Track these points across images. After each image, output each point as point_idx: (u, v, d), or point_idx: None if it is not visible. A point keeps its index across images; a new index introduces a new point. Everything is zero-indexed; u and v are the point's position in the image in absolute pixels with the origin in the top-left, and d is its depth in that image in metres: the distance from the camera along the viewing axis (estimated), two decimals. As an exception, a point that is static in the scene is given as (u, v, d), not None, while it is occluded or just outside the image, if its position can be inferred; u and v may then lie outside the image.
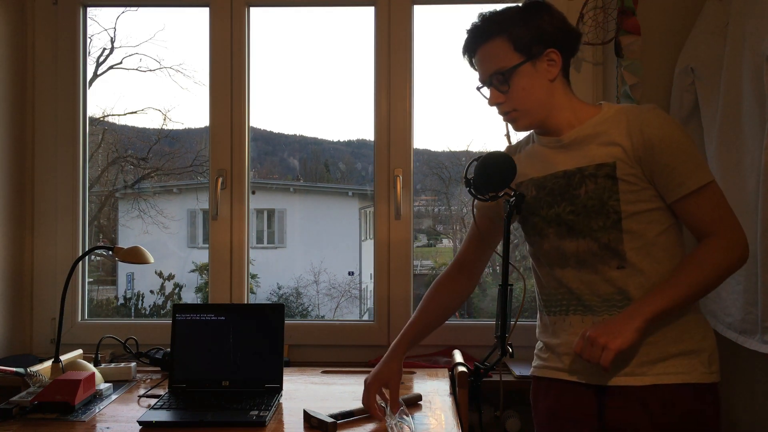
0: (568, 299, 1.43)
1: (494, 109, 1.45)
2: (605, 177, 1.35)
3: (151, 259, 1.79)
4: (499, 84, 1.40)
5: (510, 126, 1.54)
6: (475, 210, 1.58)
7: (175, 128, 2.82)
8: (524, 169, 1.49)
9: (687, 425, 1.32)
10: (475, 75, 1.46)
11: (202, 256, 3.03)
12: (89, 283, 2.38)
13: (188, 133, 2.88)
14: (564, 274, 1.43)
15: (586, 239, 1.38)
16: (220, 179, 2.20)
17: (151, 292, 2.99)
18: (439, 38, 2.37)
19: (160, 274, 2.97)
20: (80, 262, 2.11)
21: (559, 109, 1.42)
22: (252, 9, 2.26)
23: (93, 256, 2.90)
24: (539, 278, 1.52)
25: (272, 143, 3.26)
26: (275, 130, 3.11)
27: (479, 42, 1.41)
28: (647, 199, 1.35)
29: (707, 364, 1.35)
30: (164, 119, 2.78)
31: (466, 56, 1.47)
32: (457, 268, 1.65)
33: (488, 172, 1.38)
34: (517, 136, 1.68)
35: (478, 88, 1.46)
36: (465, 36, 1.45)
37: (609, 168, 1.35)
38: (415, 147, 2.22)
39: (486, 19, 1.41)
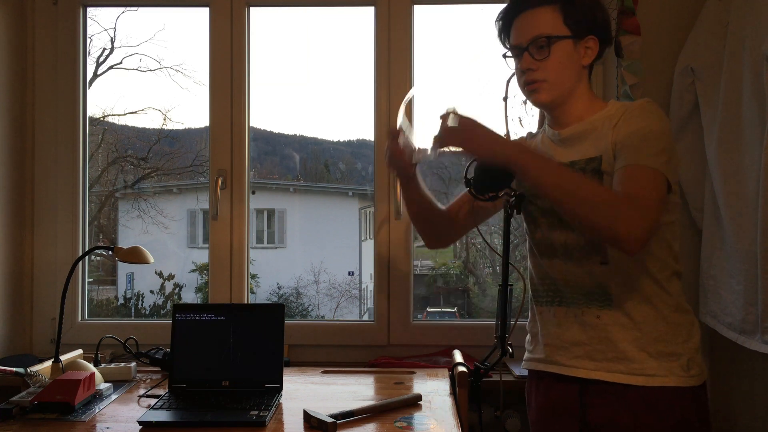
0: (554, 291, 1.46)
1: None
2: (592, 171, 1.35)
3: (151, 259, 1.79)
4: (539, 49, 1.36)
5: (524, 115, 1.52)
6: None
7: (175, 128, 2.82)
8: None
9: (671, 427, 1.32)
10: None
11: (202, 256, 3.02)
12: (89, 283, 2.38)
13: (188, 133, 2.87)
14: (551, 265, 1.45)
15: (573, 233, 1.39)
16: (220, 179, 2.20)
17: (151, 292, 2.99)
18: (439, 38, 2.37)
19: (160, 274, 2.97)
20: (80, 262, 2.11)
21: (579, 97, 1.42)
22: (252, 9, 2.26)
23: (93, 256, 2.90)
24: (531, 268, 1.54)
25: (272, 143, 3.25)
26: (275, 130, 3.11)
27: (529, 5, 1.38)
28: None
29: (686, 368, 1.34)
30: (164, 119, 2.78)
31: (501, 21, 1.43)
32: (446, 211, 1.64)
33: (488, 173, 1.39)
34: (517, 136, 1.68)
35: (504, 56, 1.44)
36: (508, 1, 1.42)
37: (596, 162, 1.36)
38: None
39: None
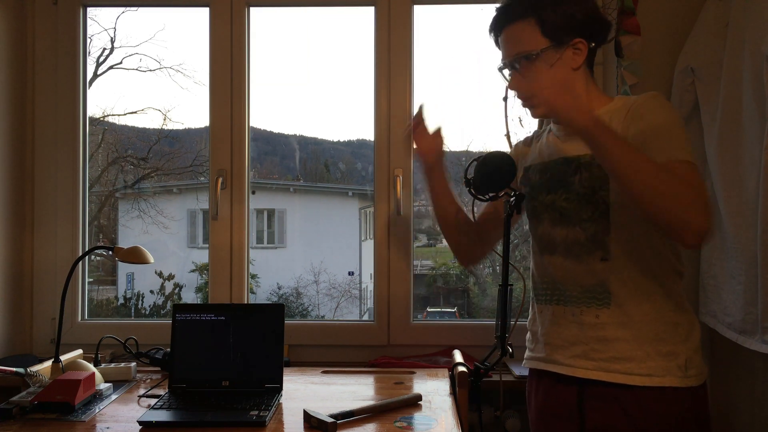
0: (552, 288, 1.46)
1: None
2: (599, 166, 1.35)
3: (151, 259, 1.79)
4: (521, 68, 1.37)
5: (524, 116, 1.53)
6: (475, 208, 1.57)
7: (175, 128, 2.82)
8: (535, 154, 1.50)
9: (667, 429, 1.31)
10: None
11: (202, 256, 3.02)
12: (89, 283, 2.38)
13: (188, 133, 2.87)
14: (552, 261, 1.44)
15: (575, 228, 1.39)
16: (220, 179, 2.20)
17: (151, 292, 2.99)
18: (439, 38, 2.37)
19: (160, 274, 2.97)
20: (80, 262, 2.11)
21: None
22: (252, 9, 2.26)
23: (93, 256, 2.90)
24: (532, 266, 1.54)
25: (272, 143, 3.25)
26: (275, 130, 3.11)
27: (507, 21, 1.38)
28: None
29: (683, 368, 1.33)
30: (164, 119, 2.78)
31: (492, 34, 1.45)
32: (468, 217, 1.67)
33: (488, 172, 1.39)
34: (518, 137, 1.69)
35: (500, 69, 1.44)
36: (494, 13, 1.42)
37: None
38: (415, 147, 2.21)
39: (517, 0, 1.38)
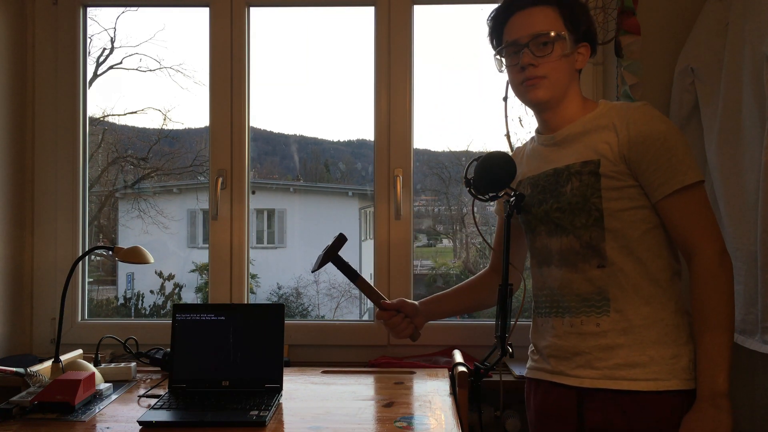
0: (550, 301, 1.45)
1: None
2: (589, 174, 1.36)
3: (151, 259, 1.79)
4: (542, 46, 1.39)
5: (524, 115, 1.54)
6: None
7: (175, 128, 2.82)
8: (523, 168, 1.51)
9: (667, 429, 1.31)
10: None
11: (202, 256, 3.02)
12: (89, 283, 2.38)
13: (188, 133, 2.87)
14: (549, 273, 1.44)
15: (569, 237, 1.39)
16: (220, 179, 2.20)
17: (151, 292, 2.99)
18: (439, 38, 2.37)
19: (160, 274, 2.97)
20: (80, 262, 2.11)
21: (572, 98, 1.44)
22: (252, 9, 2.26)
23: (93, 256, 2.90)
24: (532, 279, 1.55)
25: (272, 143, 3.25)
26: (275, 130, 3.10)
27: (529, 2, 1.41)
28: (631, 197, 1.35)
29: (687, 370, 1.33)
30: (164, 119, 2.77)
31: (495, 19, 1.46)
32: (490, 271, 1.74)
33: (488, 172, 1.39)
34: (518, 136, 1.69)
35: (500, 51, 1.46)
36: None
37: (593, 165, 1.36)
38: (415, 147, 2.22)
39: None
